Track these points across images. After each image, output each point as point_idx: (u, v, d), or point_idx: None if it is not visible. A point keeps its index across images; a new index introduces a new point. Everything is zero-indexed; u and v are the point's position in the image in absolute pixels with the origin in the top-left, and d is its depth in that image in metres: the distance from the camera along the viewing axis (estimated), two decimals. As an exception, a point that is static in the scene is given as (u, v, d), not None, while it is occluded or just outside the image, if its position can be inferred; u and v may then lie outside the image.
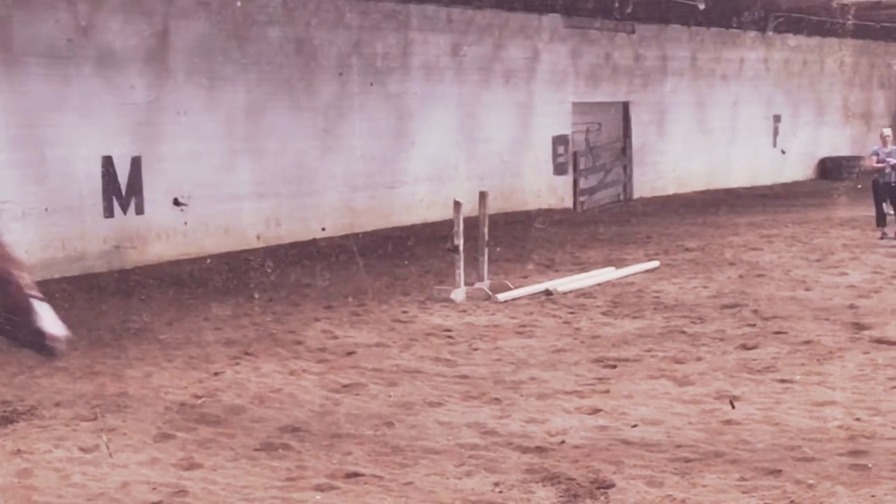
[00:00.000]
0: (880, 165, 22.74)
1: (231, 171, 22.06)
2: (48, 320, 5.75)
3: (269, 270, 19.22)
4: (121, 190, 20.09)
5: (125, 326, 15.00)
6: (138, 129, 20.36)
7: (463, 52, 27.27)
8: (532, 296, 16.97)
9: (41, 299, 5.77)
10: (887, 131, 23.81)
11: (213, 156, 21.66)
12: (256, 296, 17.13)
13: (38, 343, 5.77)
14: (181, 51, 21.08)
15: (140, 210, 20.40)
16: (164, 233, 20.76)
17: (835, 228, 24.63)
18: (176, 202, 20.93)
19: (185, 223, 21.07)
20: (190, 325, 15.08)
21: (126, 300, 17.16)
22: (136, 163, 20.29)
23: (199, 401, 11.00)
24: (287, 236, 22.97)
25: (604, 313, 15.54)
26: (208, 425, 10.06)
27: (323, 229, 23.63)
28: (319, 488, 8.33)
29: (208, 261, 20.66)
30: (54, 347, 5.81)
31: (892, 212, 22.72)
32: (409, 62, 25.95)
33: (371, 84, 24.97)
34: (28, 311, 5.72)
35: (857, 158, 40.09)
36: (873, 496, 7.81)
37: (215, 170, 21.71)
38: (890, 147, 22.92)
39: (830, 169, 40.17)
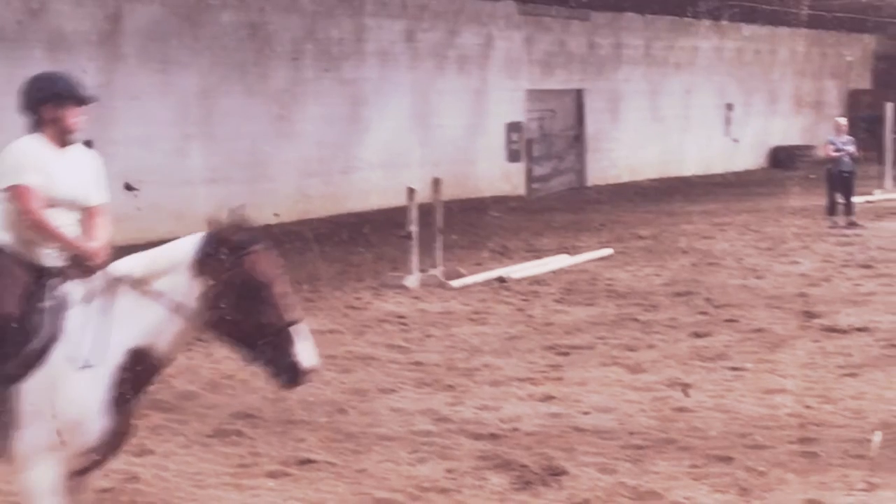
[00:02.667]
0: (837, 154, 22.81)
1: (184, 156, 21.92)
2: (305, 353, 5.31)
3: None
4: (72, 174, 19.89)
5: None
6: (89, 113, 20.15)
7: (417, 39, 27.21)
8: (485, 283, 16.97)
9: (300, 321, 5.34)
10: (842, 120, 23.94)
11: (165, 140, 21.50)
12: (209, 282, 17.00)
13: (289, 375, 5.33)
14: (133, 34, 20.91)
15: (91, 195, 20.22)
16: (115, 218, 20.52)
17: (786, 217, 24.76)
18: (128, 187, 20.76)
19: (138, 209, 20.90)
20: (142, 310, 14.94)
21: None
22: (87, 147, 20.10)
23: (151, 386, 10.91)
24: (240, 222, 22.81)
25: (557, 300, 15.57)
26: (160, 411, 9.98)
27: (276, 215, 23.49)
28: (272, 475, 8.30)
29: (161, 246, 20.48)
30: (303, 381, 5.39)
31: (843, 201, 22.84)
32: (363, 48, 25.86)
33: (325, 70, 24.88)
34: (286, 342, 5.31)
35: (809, 147, 40.39)
36: (823, 483, 7.89)
37: (168, 155, 21.56)
38: (845, 136, 23.05)
39: (782, 158, 40.40)
